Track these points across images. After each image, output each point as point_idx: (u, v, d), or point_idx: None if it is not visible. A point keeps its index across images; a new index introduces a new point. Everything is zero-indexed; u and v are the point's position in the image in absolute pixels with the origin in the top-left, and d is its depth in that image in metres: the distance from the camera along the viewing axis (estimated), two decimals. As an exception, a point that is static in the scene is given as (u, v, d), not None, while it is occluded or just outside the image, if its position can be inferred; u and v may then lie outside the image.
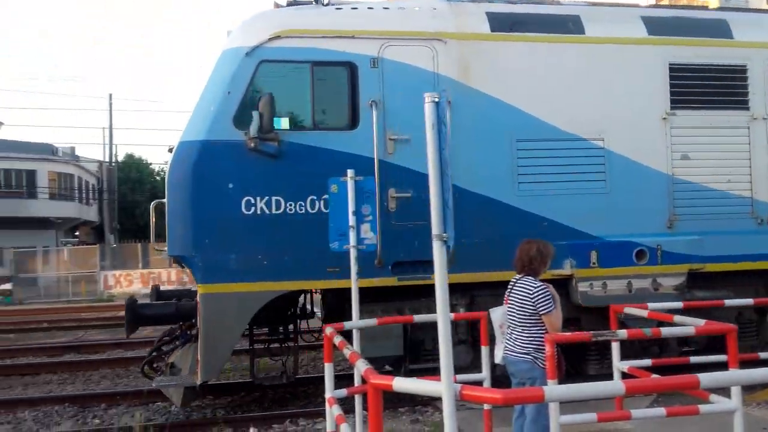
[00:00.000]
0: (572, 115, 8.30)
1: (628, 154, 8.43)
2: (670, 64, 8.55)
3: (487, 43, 8.17)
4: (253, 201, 7.58)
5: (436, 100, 3.41)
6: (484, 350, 6.43)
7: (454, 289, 7.99)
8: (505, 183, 8.11)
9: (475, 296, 8.31)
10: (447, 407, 3.23)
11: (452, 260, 7.60)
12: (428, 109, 3.39)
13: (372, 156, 7.76)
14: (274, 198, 7.62)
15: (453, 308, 8.04)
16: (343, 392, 5.43)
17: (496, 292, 8.22)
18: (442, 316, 3.32)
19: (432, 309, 7.62)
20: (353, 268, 6.64)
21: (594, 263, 8.22)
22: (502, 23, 8.28)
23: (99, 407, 8.92)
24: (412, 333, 8.07)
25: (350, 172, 6.63)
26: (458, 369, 7.97)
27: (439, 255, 3.33)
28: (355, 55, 7.84)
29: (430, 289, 7.86)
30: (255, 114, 7.37)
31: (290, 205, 7.65)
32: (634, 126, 8.45)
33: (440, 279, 3.34)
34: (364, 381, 5.24)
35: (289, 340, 8.59)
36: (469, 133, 8.02)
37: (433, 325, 7.50)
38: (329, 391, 5.35)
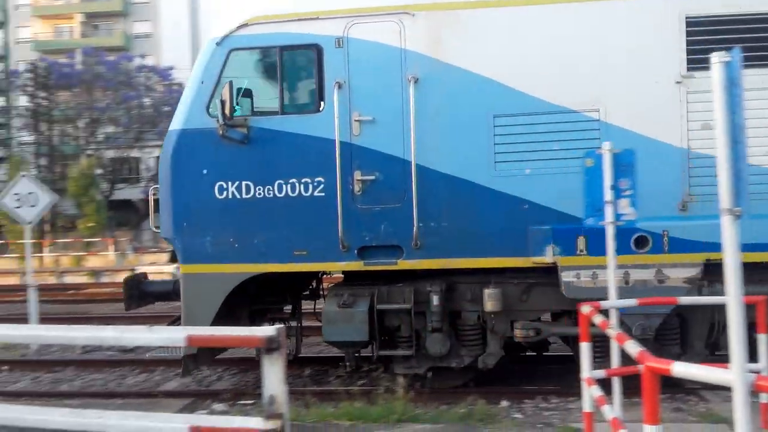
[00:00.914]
0: (561, 85, 7.29)
1: (631, 125, 7.23)
2: (687, 18, 7.15)
3: (460, 12, 7.45)
4: (225, 186, 7.76)
5: (727, 59, 3.27)
6: (762, 338, 5.91)
7: (427, 275, 7.61)
8: (481, 163, 7.40)
9: (456, 282, 7.77)
10: (739, 398, 2.96)
11: (420, 245, 7.26)
12: (718, 70, 3.23)
13: (340, 139, 7.53)
14: (243, 183, 7.73)
15: (427, 295, 7.64)
16: (601, 373, 5.25)
17: (483, 279, 7.68)
18: (733, 299, 3.17)
19: (397, 293, 7.32)
20: (610, 246, 6.16)
21: (582, 250, 7.23)
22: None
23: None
24: (385, 319, 7.76)
25: (606, 144, 6.15)
26: (433, 358, 7.60)
27: (730, 232, 3.17)
28: (320, 36, 7.61)
29: (398, 274, 7.59)
30: (218, 102, 7.55)
31: (259, 189, 7.70)
32: (639, 93, 7.21)
33: (732, 260, 3.18)
34: (624, 363, 5.33)
35: (293, 319, 8.71)
36: (440, 111, 7.42)
37: (407, 311, 7.25)
38: (586, 371, 5.16)
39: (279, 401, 4.01)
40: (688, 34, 7.13)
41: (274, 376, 4.01)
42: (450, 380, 8.00)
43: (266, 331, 4.02)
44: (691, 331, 7.59)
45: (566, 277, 7.24)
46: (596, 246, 7.16)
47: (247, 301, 8.43)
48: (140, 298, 8.41)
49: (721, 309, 7.31)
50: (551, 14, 7.33)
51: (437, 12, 7.47)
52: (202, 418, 4.70)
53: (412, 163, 7.36)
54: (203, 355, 8.22)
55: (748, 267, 6.79)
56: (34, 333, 5.68)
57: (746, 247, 6.66)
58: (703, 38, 7.11)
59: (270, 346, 3.95)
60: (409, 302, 7.59)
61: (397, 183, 7.45)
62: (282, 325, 4.01)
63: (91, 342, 5.65)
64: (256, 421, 4.14)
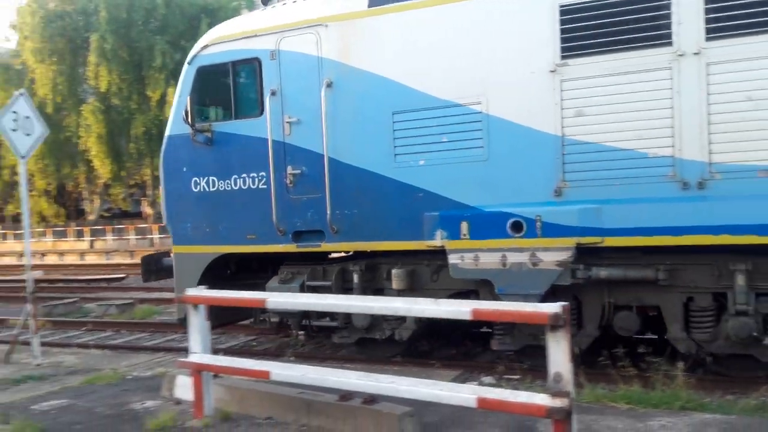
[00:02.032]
0: (448, 81, 7.62)
1: (510, 116, 7.37)
2: (560, 6, 7.10)
3: (364, 20, 8.05)
4: (198, 181, 9.17)
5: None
6: None
7: (356, 256, 8.47)
8: (384, 156, 7.99)
9: (377, 263, 8.47)
10: None
11: (337, 230, 8.18)
12: None
13: (275, 138, 8.58)
14: (210, 178, 9.07)
15: (350, 273, 8.48)
16: None
17: (399, 260, 8.33)
18: None
19: (330, 272, 8.30)
20: None
21: (465, 234, 7.56)
22: (385, -8, 8.05)
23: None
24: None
25: None
26: (360, 330, 8.50)
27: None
28: (259, 50, 8.64)
29: (324, 255, 8.54)
30: (183, 112, 8.98)
31: (221, 183, 8.99)
32: (516, 84, 7.32)
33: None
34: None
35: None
36: (349, 110, 8.14)
37: (327, 288, 8.26)
38: None
39: (565, 379, 3.88)
40: (562, 23, 7.10)
41: (560, 354, 3.90)
42: (380, 351, 8.73)
43: (551, 308, 3.91)
44: (584, 313, 7.57)
45: (452, 259, 7.64)
46: (477, 230, 7.54)
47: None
48: (157, 272, 10.16)
49: (613, 291, 7.33)
50: (436, 16, 7.67)
51: (345, 22, 8.16)
52: (488, 390, 4.62)
53: (325, 156, 8.20)
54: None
55: (632, 251, 6.87)
56: (332, 302, 5.70)
57: (626, 231, 6.78)
58: (577, 26, 7.06)
59: (555, 323, 3.87)
60: (330, 280, 8.47)
61: (317, 175, 8.32)
62: (566, 303, 3.96)
63: (384, 312, 5.82)
64: (542, 398, 4.03)
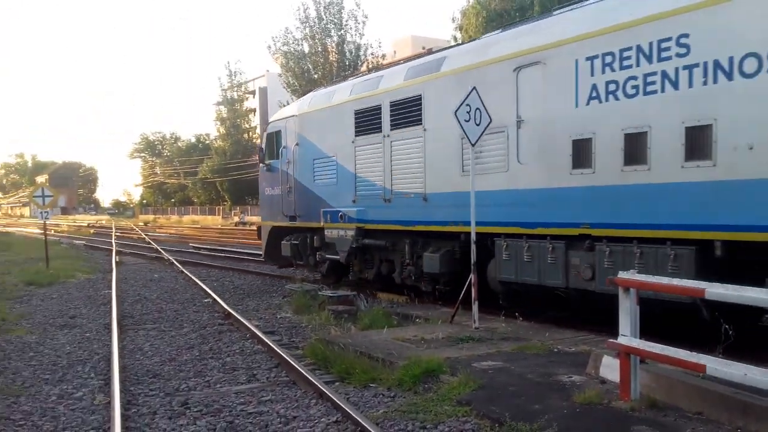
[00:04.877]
0: (328, 145, 15.10)
1: (342, 162, 14.61)
2: (354, 111, 14.10)
3: (306, 114, 15.92)
4: (268, 189, 17.97)
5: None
6: None
7: (301, 230, 16.60)
8: (311, 179, 15.77)
9: (314, 234, 16.21)
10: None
11: (299, 216, 16.54)
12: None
13: (283, 169, 16.94)
14: (270, 187, 17.79)
15: (305, 238, 16.55)
16: None
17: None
18: None
19: (301, 237, 16.88)
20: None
21: (328, 220, 15.00)
22: (313, 101, 15.80)
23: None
24: (295, 246, 16.76)
25: None
26: (312, 266, 16.71)
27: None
28: (281, 126, 17.07)
29: (298, 228, 16.84)
30: (259, 155, 17.88)
31: (271, 190, 17.65)
32: (343, 148, 14.51)
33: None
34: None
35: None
36: (302, 157, 16.12)
37: (299, 244, 16.90)
38: None
39: None
40: (355, 119, 14.14)
41: None
42: (327, 279, 16.51)
43: None
44: (373, 263, 14.42)
45: (326, 233, 15.18)
46: (332, 219, 15.06)
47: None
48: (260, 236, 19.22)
49: (380, 253, 14.32)
50: (321, 113, 15.24)
51: (301, 114, 16.15)
52: None
53: (293, 178, 16.34)
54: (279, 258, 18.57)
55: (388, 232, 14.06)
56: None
57: (373, 221, 14.17)
58: (359, 121, 14.06)
59: None
60: (297, 240, 16.57)
61: (293, 188, 16.49)
62: None
63: None
64: None
